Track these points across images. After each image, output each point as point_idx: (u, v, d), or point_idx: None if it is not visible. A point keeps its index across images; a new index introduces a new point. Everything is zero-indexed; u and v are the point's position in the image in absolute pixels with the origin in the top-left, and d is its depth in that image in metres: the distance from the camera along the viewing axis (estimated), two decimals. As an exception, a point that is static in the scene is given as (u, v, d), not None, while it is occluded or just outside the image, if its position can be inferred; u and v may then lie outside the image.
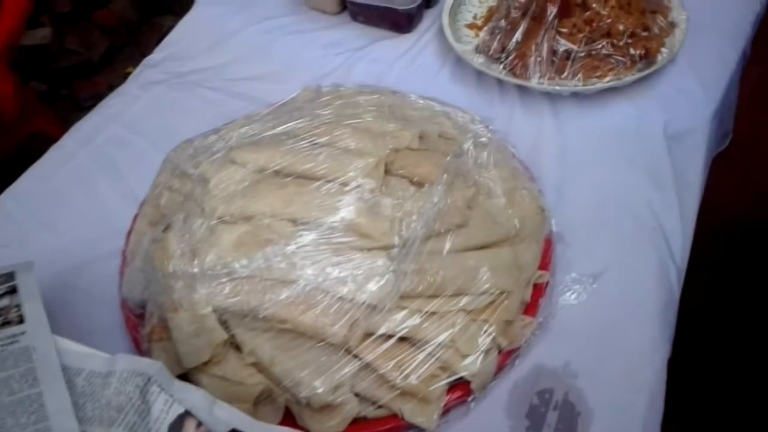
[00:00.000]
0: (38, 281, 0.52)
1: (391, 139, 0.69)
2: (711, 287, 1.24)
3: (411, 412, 0.56)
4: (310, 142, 0.69)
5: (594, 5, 0.83)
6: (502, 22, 0.87)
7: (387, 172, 0.66)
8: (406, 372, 0.56)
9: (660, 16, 0.86)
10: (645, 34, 0.83)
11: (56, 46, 1.80)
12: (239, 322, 0.59)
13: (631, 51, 0.81)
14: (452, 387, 0.58)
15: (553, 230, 0.69)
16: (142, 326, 0.63)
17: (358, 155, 0.66)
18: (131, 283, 0.65)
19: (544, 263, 0.66)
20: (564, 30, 0.83)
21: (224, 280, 0.59)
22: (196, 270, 0.61)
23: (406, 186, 0.65)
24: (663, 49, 0.83)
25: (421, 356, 0.57)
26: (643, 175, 0.75)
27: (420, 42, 0.97)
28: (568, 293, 0.66)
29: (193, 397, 0.46)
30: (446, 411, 0.58)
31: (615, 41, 0.82)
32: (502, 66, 0.85)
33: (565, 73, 0.82)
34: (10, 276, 0.53)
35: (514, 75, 0.84)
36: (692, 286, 0.73)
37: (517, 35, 0.84)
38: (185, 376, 0.58)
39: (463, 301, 0.59)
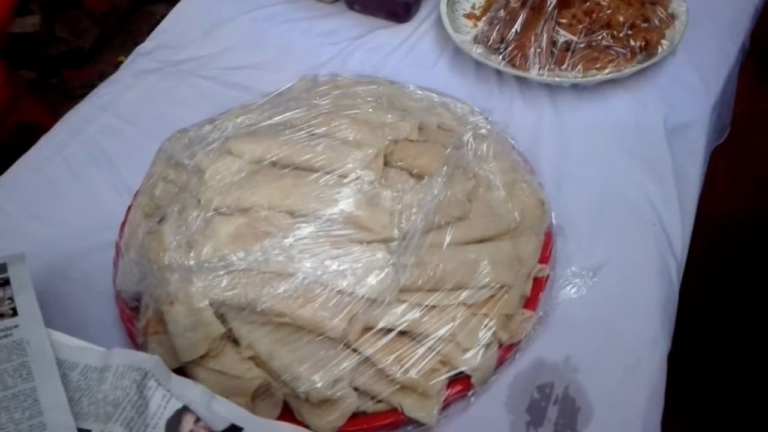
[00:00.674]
0: (30, 273, 0.51)
1: (389, 130, 0.68)
2: (708, 280, 1.25)
3: (411, 407, 0.55)
4: (307, 132, 0.68)
5: (594, -4, 0.82)
6: (501, 12, 0.86)
7: (386, 163, 0.66)
8: (406, 366, 0.56)
9: (660, 8, 0.85)
10: (645, 25, 0.83)
11: (46, 34, 1.78)
12: (236, 316, 0.58)
13: (631, 42, 0.81)
14: (452, 381, 0.57)
15: (553, 223, 0.68)
16: (137, 319, 0.62)
17: (356, 146, 0.65)
18: (126, 275, 0.64)
19: (545, 257, 0.65)
20: (563, 21, 0.82)
21: (221, 272, 0.58)
22: (192, 262, 0.60)
23: (405, 178, 0.64)
24: (663, 41, 0.83)
25: (421, 350, 0.56)
26: (643, 167, 0.75)
27: (417, 32, 0.96)
28: (569, 287, 0.65)
29: (191, 392, 0.45)
30: (446, 405, 0.57)
31: (615, 32, 0.81)
32: (501, 57, 0.84)
33: (565, 65, 0.81)
34: (1, 268, 0.52)
35: (514, 66, 0.83)
36: (690, 279, 0.73)
37: (517, 26, 0.83)
38: (181, 370, 0.57)
39: (464, 294, 0.59)
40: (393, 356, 0.56)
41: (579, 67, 0.81)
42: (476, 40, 0.88)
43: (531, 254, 0.64)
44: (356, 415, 0.56)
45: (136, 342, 0.61)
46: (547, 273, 0.64)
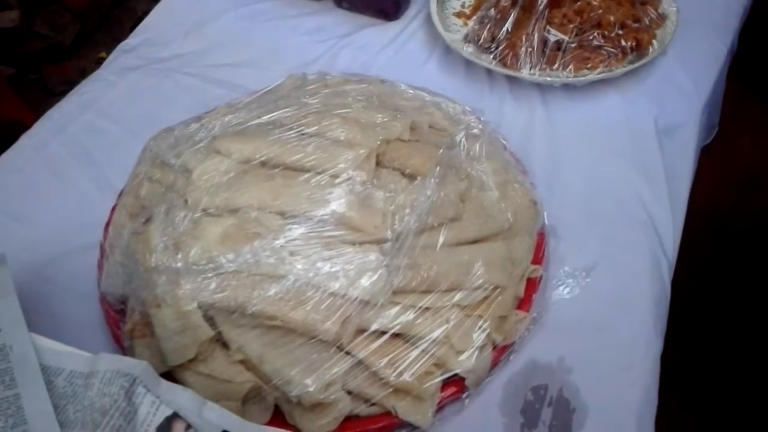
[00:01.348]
0: (12, 276, 0.50)
1: (381, 129, 0.67)
2: (698, 280, 1.26)
3: (405, 410, 0.55)
4: (297, 132, 0.67)
5: (584, -5, 0.82)
6: (492, 11, 0.86)
7: (378, 163, 0.64)
8: (399, 369, 0.55)
9: (650, 8, 0.85)
10: (636, 25, 0.83)
11: (24, 29, 1.74)
12: (226, 319, 0.56)
13: (622, 42, 0.81)
14: (446, 383, 0.57)
15: (546, 223, 0.68)
16: (123, 322, 0.60)
17: (348, 146, 0.64)
18: (111, 277, 0.63)
19: (538, 257, 0.65)
20: (554, 20, 0.82)
21: (210, 275, 0.57)
22: (179, 264, 0.58)
23: (398, 178, 0.64)
24: (654, 42, 0.83)
25: (414, 353, 0.56)
26: (634, 167, 0.75)
27: (407, 30, 0.95)
28: (561, 287, 0.65)
29: (181, 398, 0.44)
30: (440, 408, 0.56)
31: (606, 32, 0.81)
32: (492, 56, 0.84)
33: (556, 64, 0.81)
34: (-18, 271, 0.50)
35: (505, 65, 0.83)
36: (681, 278, 0.73)
37: (507, 25, 0.83)
38: (169, 375, 0.56)
39: (457, 296, 0.58)
40: (386, 359, 0.55)
41: (570, 66, 0.81)
42: (467, 39, 0.88)
43: (524, 255, 0.63)
44: (349, 419, 0.55)
45: (122, 346, 0.60)
46: (541, 274, 0.64)
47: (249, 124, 0.70)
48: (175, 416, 0.43)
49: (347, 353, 0.55)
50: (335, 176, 0.61)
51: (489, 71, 0.85)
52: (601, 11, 0.81)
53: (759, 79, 1.58)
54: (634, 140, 0.78)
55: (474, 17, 0.90)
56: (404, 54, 0.92)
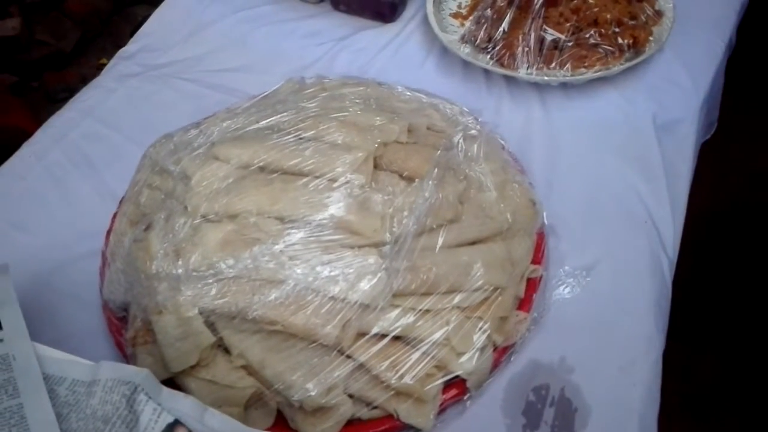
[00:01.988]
0: (14, 285, 0.50)
1: (379, 132, 0.67)
2: (700, 276, 1.25)
3: (406, 413, 0.55)
4: (295, 136, 0.67)
5: (580, -7, 0.82)
6: (488, 11, 0.86)
7: (376, 166, 0.65)
8: (400, 372, 0.55)
9: (647, 4, 0.85)
10: (632, 22, 0.82)
11: (26, 37, 1.74)
12: (227, 324, 0.57)
13: (619, 40, 0.80)
14: (447, 386, 0.57)
15: (545, 223, 0.68)
16: (125, 329, 0.61)
17: (345, 150, 0.64)
18: (112, 284, 0.63)
19: (537, 257, 0.65)
20: (551, 19, 0.82)
21: (210, 281, 0.57)
22: (180, 271, 0.59)
23: (396, 181, 0.64)
24: (651, 39, 0.83)
25: (415, 355, 0.56)
26: (633, 165, 0.75)
27: (404, 32, 0.96)
28: (562, 287, 0.65)
29: (182, 405, 0.44)
30: (442, 410, 0.57)
31: (602, 30, 0.81)
32: (489, 56, 0.84)
33: (553, 63, 0.81)
34: (-16, 281, 0.50)
35: (502, 65, 0.83)
36: (682, 275, 0.72)
37: (504, 24, 0.83)
38: (172, 381, 0.56)
39: (457, 298, 0.58)
40: (387, 362, 0.55)
41: (567, 65, 0.81)
42: (463, 39, 0.88)
43: (524, 255, 0.63)
44: (351, 423, 0.55)
45: (124, 353, 0.60)
46: (541, 274, 0.64)
47: (247, 129, 0.71)
48: (177, 423, 0.43)
49: (348, 357, 0.55)
50: (333, 180, 0.62)
51: (486, 71, 0.86)
52: (597, 9, 0.81)
53: (758, 74, 1.58)
54: (632, 138, 0.77)
55: (470, 18, 0.90)
56: (402, 55, 0.92)
